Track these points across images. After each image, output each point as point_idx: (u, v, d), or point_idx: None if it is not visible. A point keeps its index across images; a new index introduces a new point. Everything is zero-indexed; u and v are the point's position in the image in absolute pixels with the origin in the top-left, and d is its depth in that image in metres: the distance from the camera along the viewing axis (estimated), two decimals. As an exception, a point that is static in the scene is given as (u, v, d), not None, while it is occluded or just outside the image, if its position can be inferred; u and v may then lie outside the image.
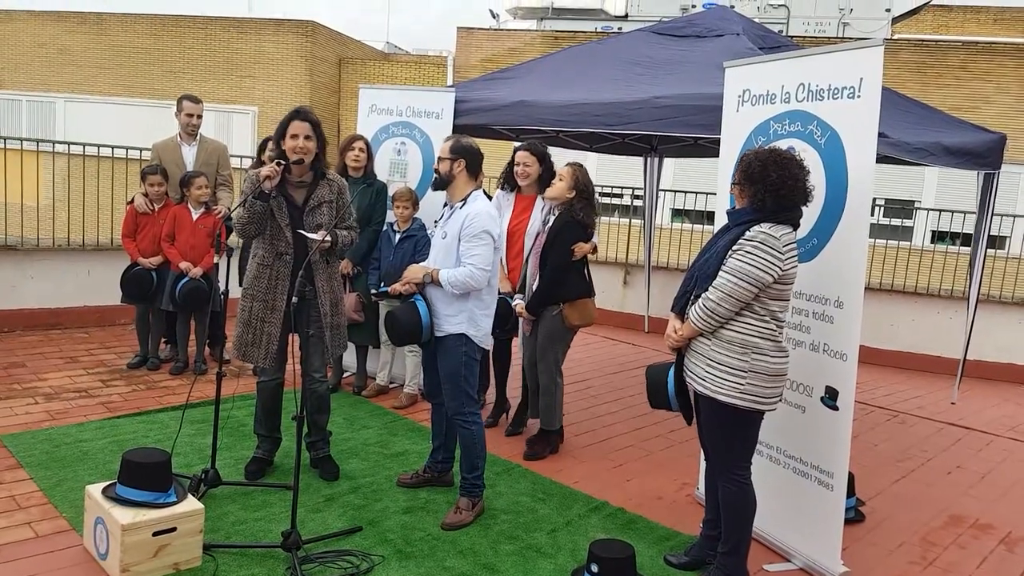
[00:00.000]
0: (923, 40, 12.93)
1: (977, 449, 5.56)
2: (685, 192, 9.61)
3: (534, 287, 4.58)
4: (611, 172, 11.71)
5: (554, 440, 4.75)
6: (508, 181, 4.97)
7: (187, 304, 5.54)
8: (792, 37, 12.04)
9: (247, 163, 7.33)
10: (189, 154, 5.91)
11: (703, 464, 3.70)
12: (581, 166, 4.57)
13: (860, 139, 3.26)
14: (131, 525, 2.98)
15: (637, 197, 9.36)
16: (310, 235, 3.67)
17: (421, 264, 3.84)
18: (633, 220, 9.62)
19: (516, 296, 4.73)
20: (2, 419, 4.58)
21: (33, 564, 3.11)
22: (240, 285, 5.58)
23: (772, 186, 3.03)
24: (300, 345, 3.86)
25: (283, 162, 3.68)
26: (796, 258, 3.12)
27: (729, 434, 3.17)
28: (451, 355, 3.68)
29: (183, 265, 5.53)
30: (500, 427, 5.09)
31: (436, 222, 3.92)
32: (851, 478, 3.88)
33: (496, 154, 5.17)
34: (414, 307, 3.65)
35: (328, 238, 3.72)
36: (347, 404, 5.33)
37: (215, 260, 5.65)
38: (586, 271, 4.68)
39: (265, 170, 3.65)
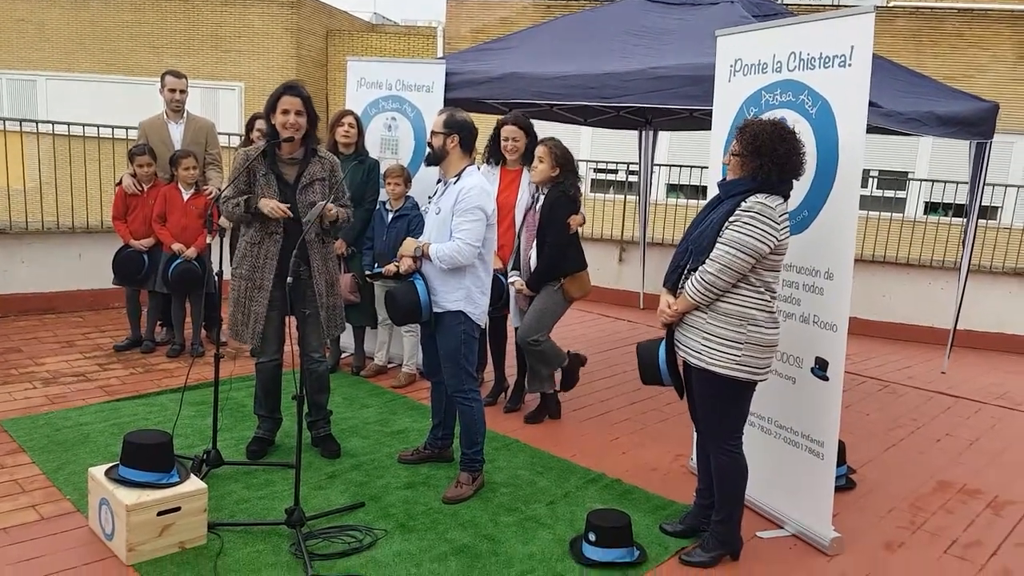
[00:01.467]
0: (918, 7, 12.85)
1: (966, 417, 5.65)
2: (680, 167, 9.59)
3: (531, 264, 4.59)
4: (605, 148, 11.67)
5: (552, 405, 4.83)
6: (493, 155, 4.95)
7: (179, 286, 5.53)
8: (787, 5, 11.95)
9: (235, 140, 7.28)
10: (176, 132, 5.84)
11: (696, 435, 3.76)
12: (554, 140, 4.55)
13: (851, 109, 3.25)
14: (136, 505, 3.02)
15: (632, 173, 9.35)
16: (309, 214, 3.64)
17: (414, 239, 3.85)
18: (628, 196, 9.61)
19: (512, 273, 4.74)
20: (1, 404, 4.59)
21: (41, 545, 3.15)
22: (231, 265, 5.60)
23: (779, 160, 3.03)
24: (297, 326, 3.88)
25: (290, 213, 3.67)
26: (788, 228, 3.14)
27: (723, 405, 3.22)
28: (450, 333, 3.70)
29: (175, 246, 5.51)
30: (498, 405, 5.13)
31: (430, 198, 3.92)
32: (842, 446, 3.95)
33: (489, 129, 5.14)
34: (412, 287, 3.66)
35: (332, 208, 3.69)
36: (346, 384, 5.36)
37: (208, 241, 5.63)
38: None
39: (272, 206, 3.63)
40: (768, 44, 3.65)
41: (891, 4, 13.92)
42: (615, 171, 11.31)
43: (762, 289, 3.11)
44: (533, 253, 4.58)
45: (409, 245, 3.74)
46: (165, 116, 5.86)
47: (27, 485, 3.64)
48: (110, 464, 3.29)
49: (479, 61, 5.53)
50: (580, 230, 4.68)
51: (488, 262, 3.78)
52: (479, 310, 3.74)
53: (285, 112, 3.66)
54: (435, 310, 3.70)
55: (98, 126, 6.95)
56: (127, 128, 6.73)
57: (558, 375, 4.91)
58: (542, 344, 4.60)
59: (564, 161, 4.49)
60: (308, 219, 3.63)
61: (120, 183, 5.68)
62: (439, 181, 3.83)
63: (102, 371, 5.32)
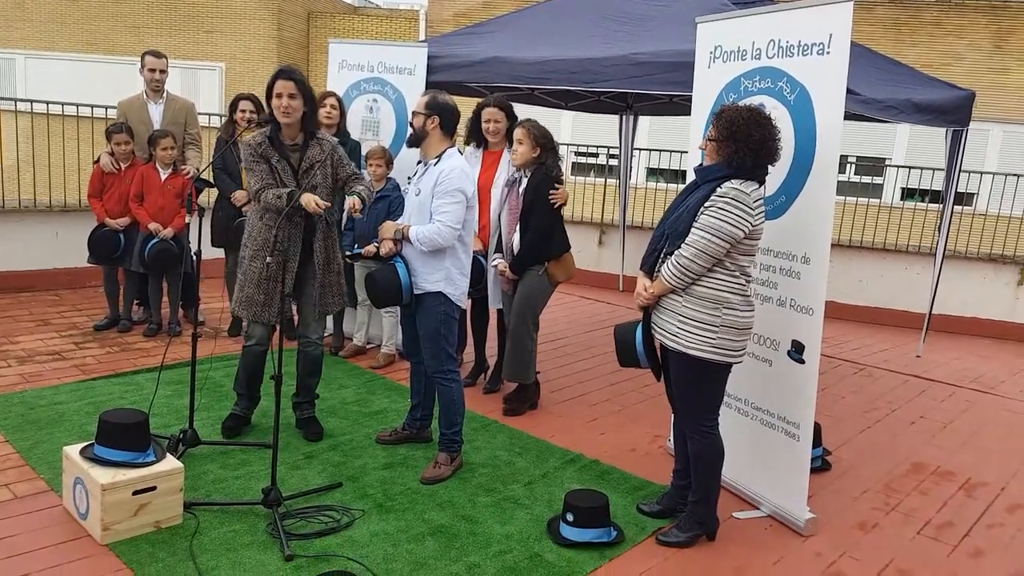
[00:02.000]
0: (897, -5, 12.90)
1: (940, 400, 5.74)
2: (660, 151, 9.61)
3: (513, 247, 4.58)
4: (586, 132, 11.65)
5: (531, 395, 4.82)
6: (474, 137, 4.94)
7: (156, 265, 5.48)
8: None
9: (215, 120, 7.19)
10: (156, 112, 5.78)
11: (673, 417, 3.79)
12: (531, 120, 4.54)
13: (829, 96, 3.28)
14: (111, 484, 3.00)
15: (612, 156, 9.35)
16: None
17: (394, 221, 3.84)
18: (608, 180, 9.62)
19: (495, 256, 4.72)
20: (-26, 383, 4.54)
21: (14, 524, 3.13)
22: (213, 245, 5.56)
23: (754, 145, 3.05)
24: (298, 308, 3.86)
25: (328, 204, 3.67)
26: (764, 213, 3.16)
27: (698, 387, 3.25)
28: (430, 314, 3.70)
29: (152, 226, 5.46)
30: (478, 386, 5.14)
31: (409, 179, 3.90)
32: (818, 429, 4.00)
33: (470, 111, 5.13)
34: (393, 269, 3.66)
35: (358, 203, 3.73)
36: (325, 365, 5.27)
37: (187, 221, 5.58)
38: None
39: (312, 202, 3.61)
40: (747, 31, 3.66)
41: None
42: (596, 155, 11.32)
43: (737, 273, 3.13)
44: (516, 236, 4.56)
45: (389, 228, 3.73)
46: (145, 96, 5.79)
47: (1, 464, 3.60)
48: (85, 443, 3.26)
49: (461, 45, 5.51)
50: (562, 213, 4.68)
51: (468, 244, 3.78)
52: (459, 291, 3.74)
53: (279, 96, 3.67)
54: (415, 291, 3.70)
55: (77, 105, 6.84)
56: (106, 107, 6.64)
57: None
58: (530, 347, 4.60)
59: (544, 141, 4.48)
60: (294, 200, 3.61)
61: (98, 161, 5.61)
62: (419, 162, 3.82)
63: (78, 350, 5.27)
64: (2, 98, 6.99)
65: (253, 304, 3.84)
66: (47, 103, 6.74)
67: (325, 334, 5.79)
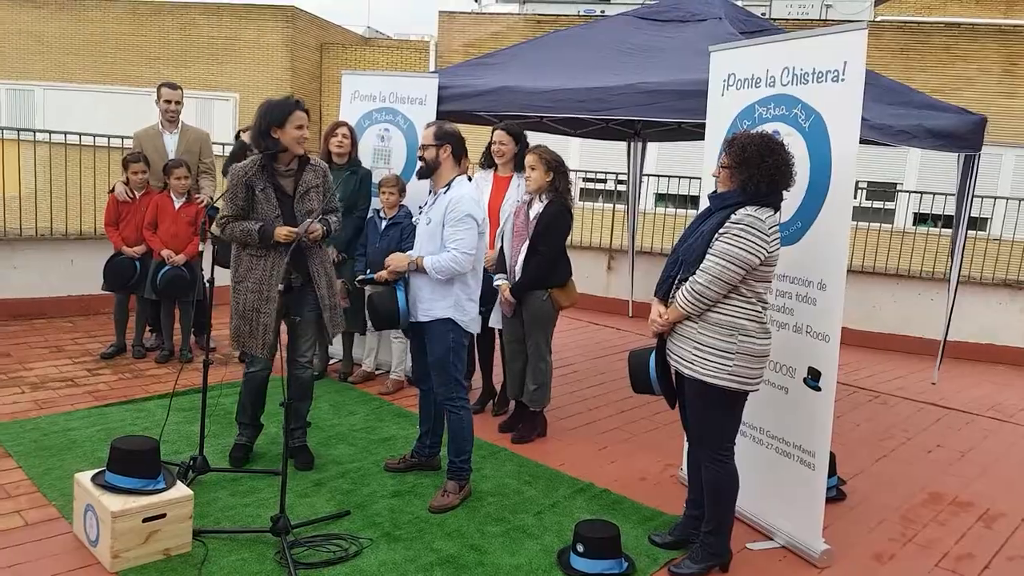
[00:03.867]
0: (906, 22, 12.98)
1: (957, 428, 5.66)
2: (668, 176, 9.64)
3: (516, 269, 4.58)
4: (594, 157, 11.70)
5: (540, 423, 4.79)
6: (488, 161, 5.05)
7: (168, 292, 5.52)
8: (775, 20, 12.06)
9: (229, 150, 7.28)
10: (171, 142, 5.87)
11: (687, 445, 3.75)
12: (543, 146, 4.59)
13: (844, 122, 3.29)
14: (121, 511, 3.00)
15: (621, 182, 9.38)
16: (299, 228, 3.69)
17: (405, 253, 3.86)
18: (617, 205, 9.64)
19: (497, 277, 4.72)
20: (-13, 409, 4.57)
21: (24, 551, 3.12)
22: (222, 265, 5.58)
23: (768, 171, 3.05)
24: (288, 332, 3.87)
25: (298, 233, 3.68)
26: (779, 240, 3.16)
27: (714, 415, 3.22)
28: (438, 341, 3.70)
29: (164, 253, 5.51)
30: (486, 412, 5.12)
31: (420, 208, 3.93)
32: (832, 457, 3.95)
33: (481, 140, 5.20)
34: (392, 293, 3.71)
35: (318, 227, 3.76)
36: (333, 390, 5.34)
37: (200, 248, 5.63)
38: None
39: (285, 233, 3.69)
40: (761, 59, 3.69)
41: (878, 19, 14.07)
42: (604, 180, 11.36)
43: (753, 300, 3.12)
44: (521, 259, 4.56)
45: (401, 260, 3.74)
46: (160, 126, 5.88)
47: (12, 490, 3.61)
48: (96, 470, 3.27)
49: (471, 75, 5.59)
50: (569, 239, 4.70)
51: (478, 270, 3.79)
52: (468, 317, 3.74)
53: (300, 127, 3.74)
54: (423, 318, 3.71)
55: (93, 135, 6.96)
56: (122, 138, 6.74)
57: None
58: (546, 371, 4.62)
59: (556, 165, 4.52)
60: (299, 232, 3.66)
61: (113, 190, 5.68)
62: (431, 192, 3.85)
63: (91, 376, 5.30)
64: (21, 129, 7.10)
65: (240, 334, 3.86)
66: (64, 133, 6.85)
67: (333, 360, 5.83)
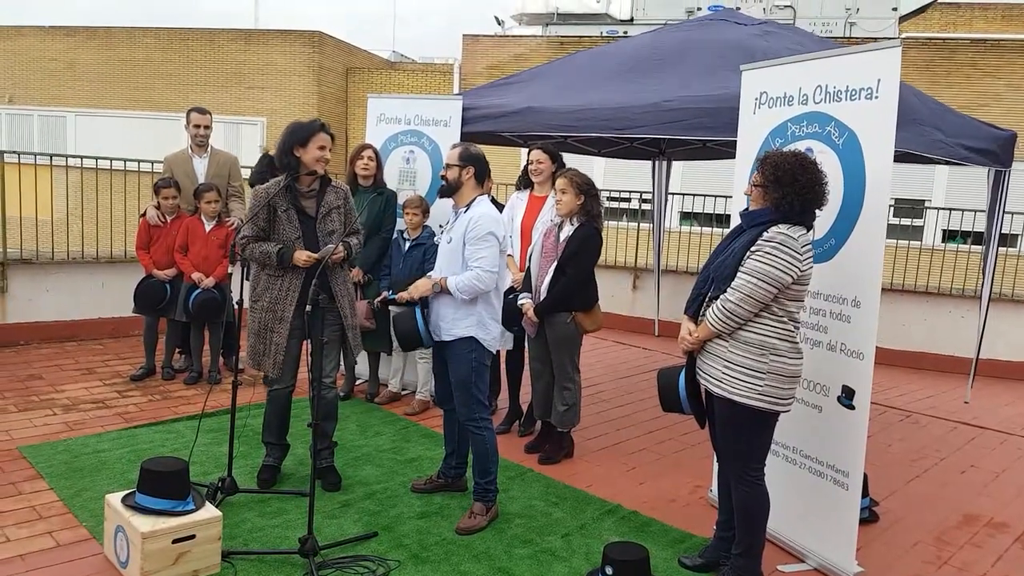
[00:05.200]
0: (931, 39, 12.89)
1: (991, 448, 5.54)
2: (694, 195, 9.60)
3: (542, 290, 4.57)
4: (619, 176, 11.72)
5: (568, 444, 4.76)
6: (524, 181, 5.10)
7: (200, 314, 5.59)
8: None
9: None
10: (200, 166, 5.97)
11: (716, 465, 3.71)
12: (573, 170, 4.60)
13: (878, 140, 3.28)
14: (151, 533, 3.02)
15: (646, 201, 9.36)
16: (322, 252, 3.75)
17: (428, 275, 3.88)
18: (642, 224, 9.62)
19: (522, 295, 4.72)
20: (21, 430, 4.64)
21: (56, 572, 3.15)
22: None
23: (801, 190, 3.04)
24: (311, 352, 3.90)
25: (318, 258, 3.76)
26: (812, 258, 3.13)
27: (745, 435, 3.18)
28: (461, 360, 3.71)
29: (195, 276, 5.59)
30: (512, 432, 5.10)
31: (441, 227, 3.96)
32: (865, 478, 3.87)
33: (504, 160, 5.23)
34: (412, 313, 3.76)
35: (341, 251, 3.82)
36: (360, 411, 5.36)
37: (229, 270, 5.70)
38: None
39: (304, 258, 3.74)
40: (793, 77, 3.69)
41: (903, 35, 13.99)
42: (628, 199, 11.35)
43: (785, 319, 3.09)
44: (547, 280, 4.55)
45: (425, 285, 3.77)
46: (189, 150, 5.98)
47: (44, 511, 3.65)
48: (127, 491, 3.30)
49: (495, 96, 5.63)
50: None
51: (500, 288, 3.79)
52: (490, 336, 3.75)
53: (322, 148, 3.81)
54: (446, 337, 3.72)
55: (124, 160, 7.10)
56: (152, 162, 6.88)
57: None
58: (574, 391, 4.61)
59: (586, 188, 4.53)
60: (322, 256, 3.71)
61: (144, 214, 5.79)
62: (453, 211, 3.88)
63: (121, 398, 5.37)
64: (53, 154, 7.28)
65: (256, 354, 3.90)
66: (95, 158, 7.00)
67: (359, 381, 5.85)
